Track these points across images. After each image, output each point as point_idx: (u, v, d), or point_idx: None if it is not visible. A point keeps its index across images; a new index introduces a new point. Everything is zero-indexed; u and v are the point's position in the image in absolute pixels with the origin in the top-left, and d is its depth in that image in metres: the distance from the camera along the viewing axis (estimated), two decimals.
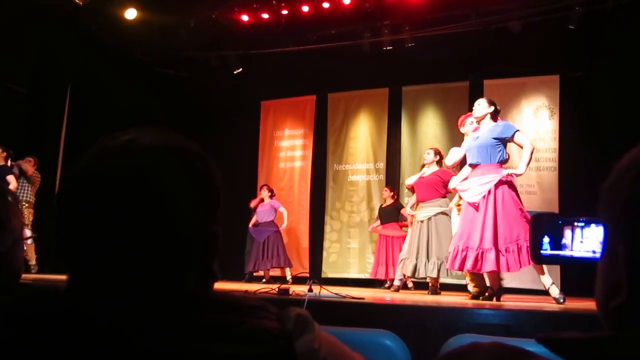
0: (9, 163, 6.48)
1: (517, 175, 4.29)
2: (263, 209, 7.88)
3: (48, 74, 7.57)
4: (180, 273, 0.67)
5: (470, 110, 4.75)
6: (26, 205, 6.43)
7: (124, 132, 0.71)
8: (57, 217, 0.68)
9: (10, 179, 6.27)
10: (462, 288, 6.47)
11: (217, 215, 0.71)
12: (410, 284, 6.81)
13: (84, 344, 0.61)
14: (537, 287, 4.66)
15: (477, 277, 4.61)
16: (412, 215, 6.00)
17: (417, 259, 5.56)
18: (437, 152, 5.89)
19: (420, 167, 6.36)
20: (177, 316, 0.63)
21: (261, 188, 8.15)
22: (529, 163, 4.32)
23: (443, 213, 5.60)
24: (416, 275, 5.66)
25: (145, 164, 0.67)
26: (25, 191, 6.55)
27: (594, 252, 0.72)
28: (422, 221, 5.67)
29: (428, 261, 5.51)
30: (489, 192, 4.21)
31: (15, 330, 0.62)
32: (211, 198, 0.71)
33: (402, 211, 6.97)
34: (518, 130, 4.39)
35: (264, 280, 7.68)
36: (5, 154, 6.54)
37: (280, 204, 7.96)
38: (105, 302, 0.64)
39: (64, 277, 0.69)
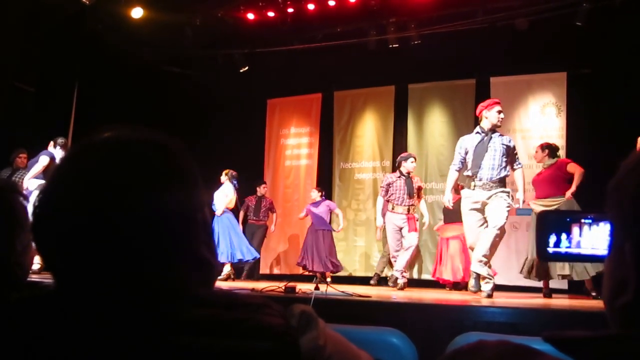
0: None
1: None
2: (319, 210, 7.58)
3: (55, 73, 7.60)
4: (171, 262, 0.67)
5: (477, 106, 4.68)
6: None
7: (91, 135, 0.72)
8: (37, 224, 0.67)
9: None
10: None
11: (197, 201, 0.71)
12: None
13: (82, 344, 0.61)
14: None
15: None
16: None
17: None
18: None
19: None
20: (180, 312, 0.63)
21: (319, 190, 7.89)
22: None
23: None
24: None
25: (118, 158, 0.68)
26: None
27: (602, 249, 0.72)
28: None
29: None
30: None
31: (15, 329, 0.63)
32: (190, 184, 0.71)
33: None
34: None
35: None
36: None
37: (335, 205, 7.86)
38: (101, 300, 0.64)
39: None
